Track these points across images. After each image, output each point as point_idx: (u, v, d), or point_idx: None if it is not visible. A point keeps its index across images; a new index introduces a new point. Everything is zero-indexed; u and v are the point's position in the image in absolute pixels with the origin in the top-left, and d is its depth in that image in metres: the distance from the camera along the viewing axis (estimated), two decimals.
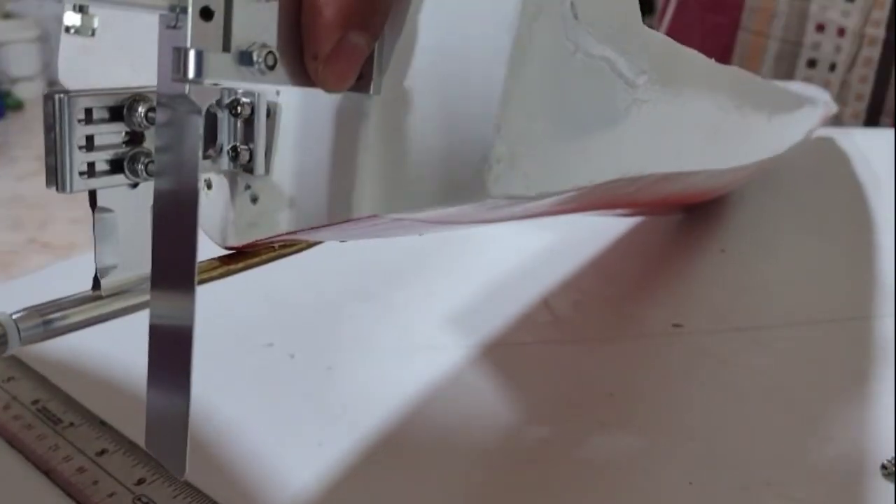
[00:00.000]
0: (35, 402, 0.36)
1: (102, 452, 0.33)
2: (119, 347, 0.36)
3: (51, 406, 0.36)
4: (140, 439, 0.34)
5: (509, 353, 0.42)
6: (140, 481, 0.31)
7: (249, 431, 0.35)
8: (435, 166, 0.21)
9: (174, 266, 0.21)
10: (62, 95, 0.22)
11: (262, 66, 0.20)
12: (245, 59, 0.20)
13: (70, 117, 0.22)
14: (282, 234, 0.25)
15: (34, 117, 2.83)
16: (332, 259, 0.37)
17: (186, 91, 0.20)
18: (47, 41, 3.00)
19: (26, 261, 1.85)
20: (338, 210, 0.23)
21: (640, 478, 0.33)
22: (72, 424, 0.34)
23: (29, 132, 2.70)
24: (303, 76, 0.21)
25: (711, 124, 0.37)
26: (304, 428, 0.36)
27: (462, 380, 0.40)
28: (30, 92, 2.96)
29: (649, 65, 0.27)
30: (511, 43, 0.20)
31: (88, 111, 0.22)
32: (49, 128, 0.22)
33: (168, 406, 0.21)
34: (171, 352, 0.21)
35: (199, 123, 0.20)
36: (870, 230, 0.60)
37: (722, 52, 0.99)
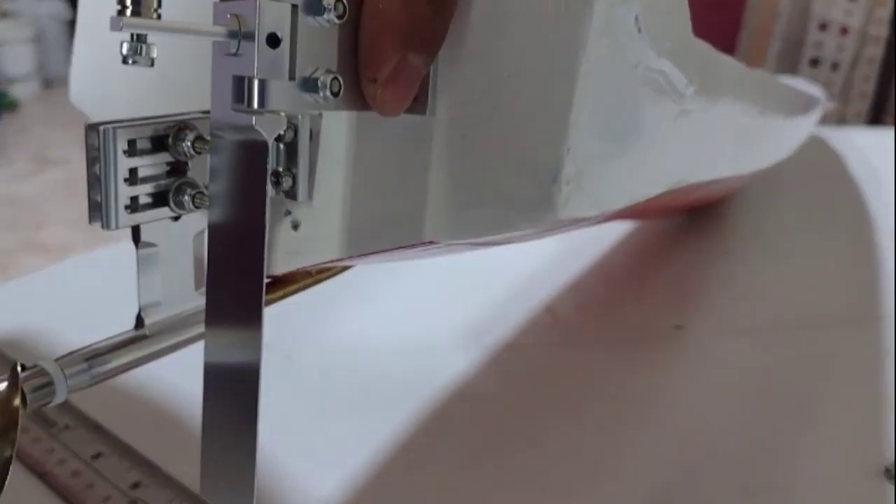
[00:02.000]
0: None
1: (98, 456, 0.33)
2: None
3: (45, 409, 0.35)
4: (135, 442, 0.34)
5: (511, 355, 0.42)
6: (135, 485, 0.31)
7: None
8: (501, 189, 0.20)
9: (237, 302, 0.19)
10: (107, 127, 0.21)
11: (328, 92, 0.19)
12: (310, 86, 0.19)
13: (115, 150, 0.21)
14: (326, 261, 0.24)
15: (30, 117, 2.82)
16: None
17: (252, 122, 0.19)
18: (42, 41, 3.00)
19: (21, 262, 1.85)
20: (394, 236, 0.22)
21: (642, 478, 0.33)
22: (67, 427, 0.34)
23: (24, 133, 2.69)
24: (360, 100, 0.20)
25: (739, 130, 0.36)
26: (301, 428, 0.36)
27: (463, 381, 0.40)
28: (25, 92, 2.96)
29: (696, 75, 0.27)
30: (580, 61, 0.19)
31: (132, 142, 0.21)
32: (93, 160, 0.21)
33: (230, 451, 0.20)
34: (234, 392, 0.20)
35: (266, 155, 0.19)
36: (872, 231, 0.60)
37: (724, 51, 0.98)
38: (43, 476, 0.32)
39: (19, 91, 2.98)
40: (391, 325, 0.45)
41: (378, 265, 0.50)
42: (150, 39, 0.18)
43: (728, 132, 0.35)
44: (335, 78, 0.19)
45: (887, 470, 0.33)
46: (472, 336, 0.43)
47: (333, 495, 0.32)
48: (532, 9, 0.20)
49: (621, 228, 0.58)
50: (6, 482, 0.19)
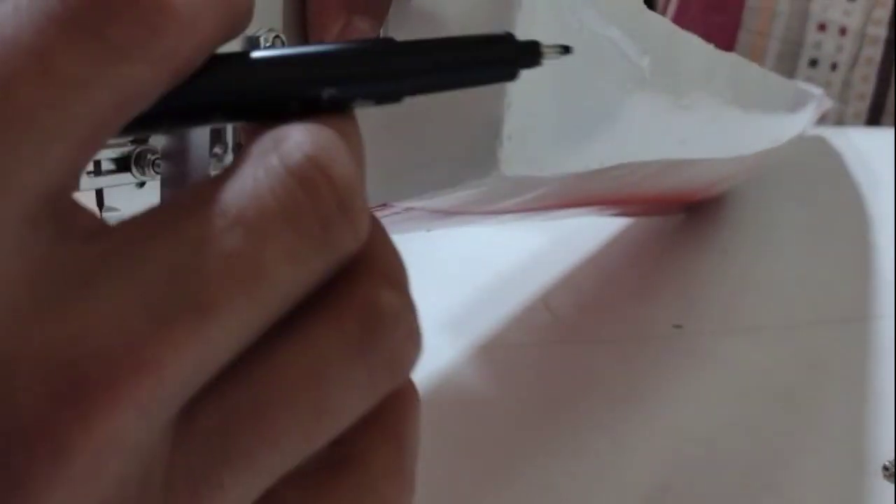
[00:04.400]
0: None
1: None
2: None
3: None
4: None
5: (509, 353, 0.42)
6: None
7: None
8: (445, 147, 0.21)
9: None
10: None
11: None
12: (252, 44, 0.19)
13: None
14: None
15: None
16: None
17: None
18: None
19: None
20: None
21: (640, 478, 0.33)
22: None
23: None
24: None
25: (712, 111, 0.37)
26: None
27: (460, 381, 0.40)
28: None
29: (652, 46, 0.27)
30: (516, 16, 0.20)
31: None
32: None
33: None
34: None
35: None
36: (870, 230, 0.60)
37: (723, 51, 0.98)
38: None
39: None
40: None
41: None
42: None
43: (699, 112, 0.35)
44: (277, 36, 0.19)
45: (886, 468, 0.33)
46: (470, 335, 0.43)
47: None
48: None
49: (620, 226, 0.58)
50: None
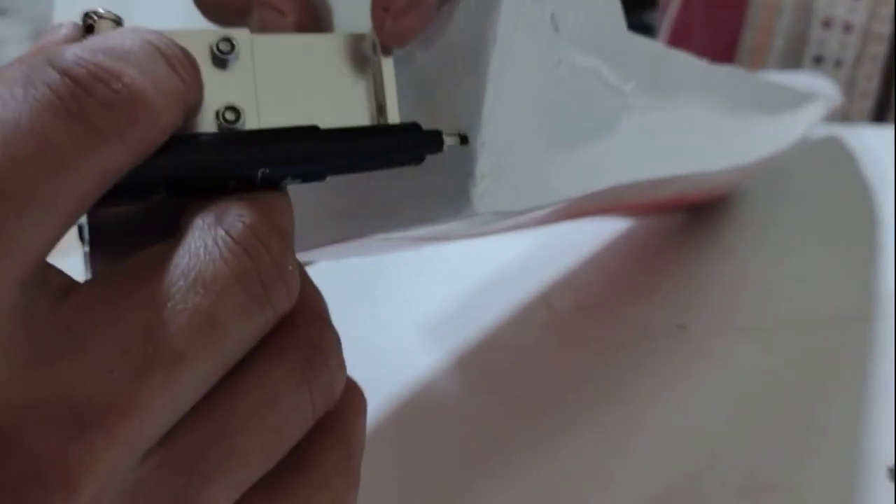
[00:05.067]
0: None
1: None
2: None
3: None
4: None
5: (510, 355, 0.42)
6: None
7: None
8: (418, 184, 0.21)
9: None
10: None
11: None
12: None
13: None
14: None
15: None
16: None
17: None
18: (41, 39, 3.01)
19: None
20: (320, 236, 0.23)
21: (643, 478, 0.33)
22: None
23: None
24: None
25: (707, 126, 0.36)
26: None
27: (460, 381, 0.39)
28: None
29: (638, 72, 0.27)
30: (490, 57, 0.20)
31: None
32: None
33: None
34: None
35: None
36: (874, 230, 0.60)
37: (727, 48, 0.98)
38: None
39: None
40: (385, 326, 0.45)
41: (371, 264, 0.50)
42: None
43: (692, 128, 0.35)
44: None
45: (890, 470, 0.33)
46: (471, 336, 0.43)
47: None
48: (460, 5, 0.20)
49: (622, 226, 0.57)
50: None
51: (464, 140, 0.20)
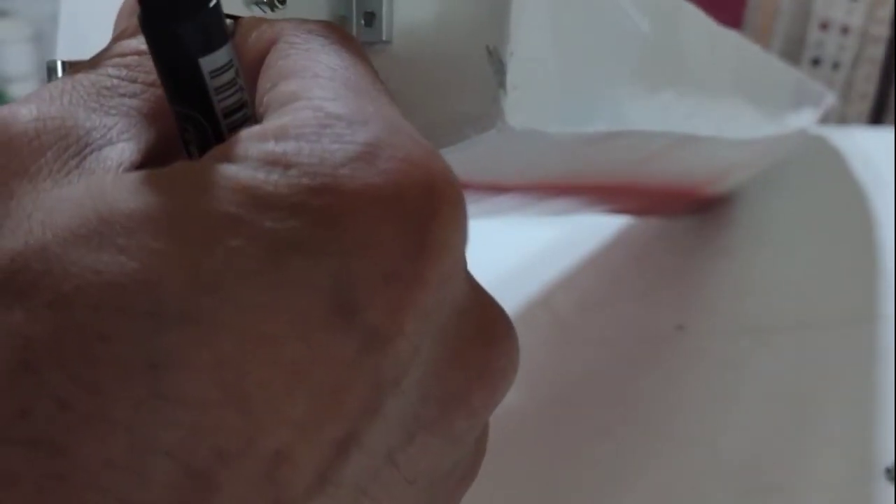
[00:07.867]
0: None
1: None
2: None
3: None
4: None
5: None
6: None
7: None
8: (449, 103, 0.21)
9: None
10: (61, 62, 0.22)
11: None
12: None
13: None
14: None
15: None
16: None
17: None
18: (42, 40, 3.00)
19: None
20: None
21: (643, 479, 0.33)
22: None
23: None
24: None
25: (715, 86, 0.37)
26: None
27: None
28: (24, 91, 2.96)
29: (655, 12, 0.27)
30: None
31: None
32: None
33: None
34: None
35: None
36: (873, 231, 0.60)
37: None
38: None
39: (19, 90, 2.98)
40: None
41: None
42: None
43: (703, 84, 0.35)
44: None
45: (888, 470, 0.33)
46: None
47: None
48: None
49: (622, 227, 0.57)
50: None
51: (492, 54, 0.19)
